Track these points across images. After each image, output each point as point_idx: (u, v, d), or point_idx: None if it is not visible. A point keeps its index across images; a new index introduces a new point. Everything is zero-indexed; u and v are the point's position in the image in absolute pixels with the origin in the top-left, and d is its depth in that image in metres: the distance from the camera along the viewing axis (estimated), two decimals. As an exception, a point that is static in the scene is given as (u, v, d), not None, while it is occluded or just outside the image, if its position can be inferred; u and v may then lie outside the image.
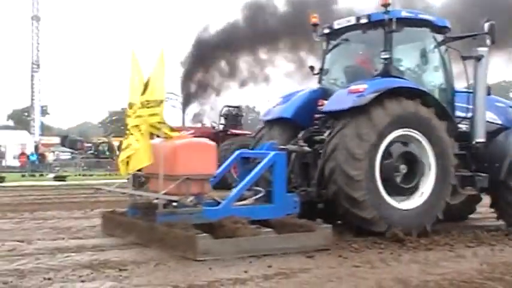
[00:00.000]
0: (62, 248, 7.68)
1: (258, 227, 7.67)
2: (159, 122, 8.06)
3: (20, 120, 71.65)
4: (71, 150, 52.31)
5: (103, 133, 71.81)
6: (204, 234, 7.13)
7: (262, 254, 7.17)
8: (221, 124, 24.00)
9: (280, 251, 7.33)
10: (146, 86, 8.21)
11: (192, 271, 6.39)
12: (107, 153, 47.73)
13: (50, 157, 46.86)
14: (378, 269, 6.68)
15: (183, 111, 29.38)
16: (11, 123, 77.28)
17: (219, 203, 8.23)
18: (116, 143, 38.29)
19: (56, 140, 58.87)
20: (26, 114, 63.67)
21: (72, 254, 7.26)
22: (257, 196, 8.60)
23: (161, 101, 8.08)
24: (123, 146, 8.74)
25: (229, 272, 6.34)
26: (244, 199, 8.52)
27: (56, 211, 12.60)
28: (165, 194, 7.73)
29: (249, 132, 23.91)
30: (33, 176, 31.45)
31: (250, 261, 6.90)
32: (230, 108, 24.78)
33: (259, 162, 8.66)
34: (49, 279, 5.95)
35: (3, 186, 22.56)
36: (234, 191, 8.43)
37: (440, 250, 7.95)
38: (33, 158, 41.41)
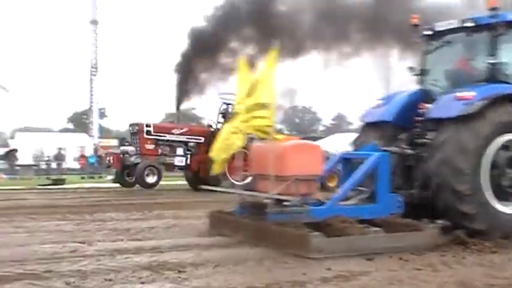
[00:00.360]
0: (121, 249, 7.80)
1: (366, 226, 7.87)
2: (267, 126, 8.30)
3: (80, 123, 73.21)
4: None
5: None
6: (317, 232, 7.37)
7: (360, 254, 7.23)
8: (219, 123, 22.05)
9: (389, 250, 7.42)
10: (253, 89, 8.37)
11: (251, 272, 6.40)
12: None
13: (108, 159, 47.58)
14: (440, 272, 6.54)
15: (177, 108, 27.13)
16: (70, 126, 79.08)
17: (322, 202, 8.44)
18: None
19: (114, 142, 59.98)
20: (85, 117, 65.06)
21: (132, 255, 7.37)
22: (361, 196, 8.79)
23: (269, 105, 8.26)
24: (218, 145, 9.05)
25: (288, 274, 6.32)
26: (348, 199, 8.72)
27: (115, 213, 12.81)
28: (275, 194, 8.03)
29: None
30: (92, 178, 32.07)
31: (309, 263, 6.87)
32: (229, 105, 22.52)
33: (361, 163, 8.82)
34: (110, 280, 6.06)
35: (64, 188, 23.10)
36: (339, 191, 8.71)
37: (506, 253, 7.72)
38: (92, 160, 42.27)
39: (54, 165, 42.09)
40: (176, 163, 21.88)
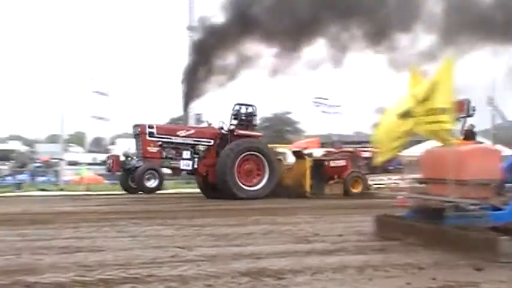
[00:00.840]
0: (220, 255, 7.86)
1: None
2: (445, 130, 8.33)
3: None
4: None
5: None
6: (506, 236, 7.25)
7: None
8: (231, 125, 21.22)
9: None
10: (430, 93, 8.45)
11: (351, 281, 6.29)
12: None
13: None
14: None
15: (185, 109, 25.64)
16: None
17: (497, 207, 8.32)
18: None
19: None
20: (181, 122, 66.46)
21: (231, 261, 7.41)
22: None
23: (448, 109, 8.30)
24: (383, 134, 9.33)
25: (391, 284, 6.18)
26: None
27: (212, 218, 12.99)
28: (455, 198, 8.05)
29: (259, 134, 22.05)
30: (189, 183, 32.62)
31: (414, 273, 6.68)
32: (242, 106, 21.61)
33: None
34: (210, 285, 6.11)
35: (163, 193, 23.63)
36: None
37: None
38: (189, 166, 42.89)
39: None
40: (182, 167, 20.95)
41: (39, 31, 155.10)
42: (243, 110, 21.33)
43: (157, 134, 20.59)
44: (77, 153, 46.25)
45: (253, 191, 20.02)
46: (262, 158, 20.37)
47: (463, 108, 21.23)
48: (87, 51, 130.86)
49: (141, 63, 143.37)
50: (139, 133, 20.63)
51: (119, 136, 65.66)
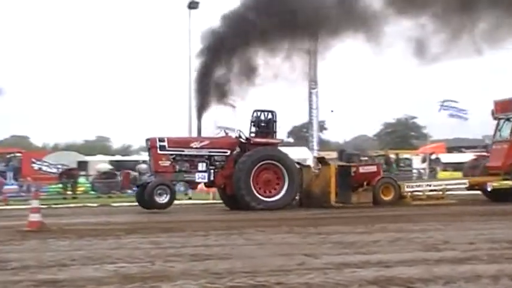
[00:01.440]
0: (347, 263, 7.81)
1: None
2: None
3: (299, 136, 75.24)
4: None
5: (378, 146, 72.32)
6: None
7: None
8: (251, 132, 20.19)
9: None
10: None
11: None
12: (384, 166, 47.69)
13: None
14: None
15: (199, 118, 23.33)
16: (290, 140, 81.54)
17: None
18: (392, 156, 37.86)
19: (334, 154, 60.63)
20: (305, 130, 66.71)
21: (358, 269, 7.35)
22: None
23: None
24: None
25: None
26: None
27: (339, 226, 12.94)
28: None
29: (277, 141, 20.81)
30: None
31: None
32: (262, 113, 20.49)
33: None
34: (338, 294, 6.11)
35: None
36: None
37: None
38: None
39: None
40: (197, 179, 19.91)
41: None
42: (263, 116, 20.40)
43: (169, 147, 19.71)
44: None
45: (272, 201, 19.03)
46: (281, 166, 19.37)
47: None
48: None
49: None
50: (150, 147, 19.92)
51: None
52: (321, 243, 10.07)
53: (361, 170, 20.80)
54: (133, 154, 55.86)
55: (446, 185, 21.84)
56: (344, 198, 20.08)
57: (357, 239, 10.45)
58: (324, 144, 68.03)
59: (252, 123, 20.30)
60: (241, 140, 20.14)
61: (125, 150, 68.11)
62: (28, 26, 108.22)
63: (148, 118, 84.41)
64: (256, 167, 19.10)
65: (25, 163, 35.70)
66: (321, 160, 22.49)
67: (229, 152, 19.94)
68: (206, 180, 19.89)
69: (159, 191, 18.74)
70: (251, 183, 18.90)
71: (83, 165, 35.81)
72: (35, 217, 12.70)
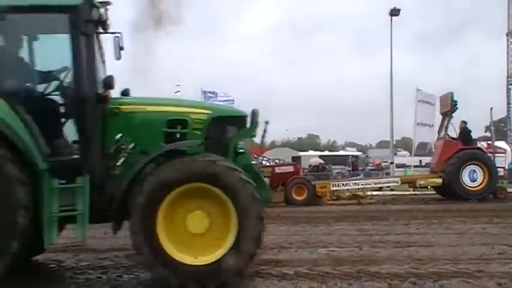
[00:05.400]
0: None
1: None
2: None
3: (497, 130, 70.73)
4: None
5: None
6: None
7: None
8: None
9: None
10: None
11: None
12: None
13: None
14: None
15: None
16: (488, 134, 76.93)
17: None
18: None
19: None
20: (503, 125, 62.59)
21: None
22: None
23: None
24: None
25: None
26: None
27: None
28: None
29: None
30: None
31: None
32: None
33: None
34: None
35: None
36: None
37: None
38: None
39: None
40: None
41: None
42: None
43: None
44: (404, 156, 46.55)
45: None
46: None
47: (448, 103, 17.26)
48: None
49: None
50: None
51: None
52: (521, 234, 9.49)
53: (277, 170, 18.82)
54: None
55: (377, 183, 19.94)
56: None
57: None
58: None
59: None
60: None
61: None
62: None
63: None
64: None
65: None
66: None
67: None
68: None
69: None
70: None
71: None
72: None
